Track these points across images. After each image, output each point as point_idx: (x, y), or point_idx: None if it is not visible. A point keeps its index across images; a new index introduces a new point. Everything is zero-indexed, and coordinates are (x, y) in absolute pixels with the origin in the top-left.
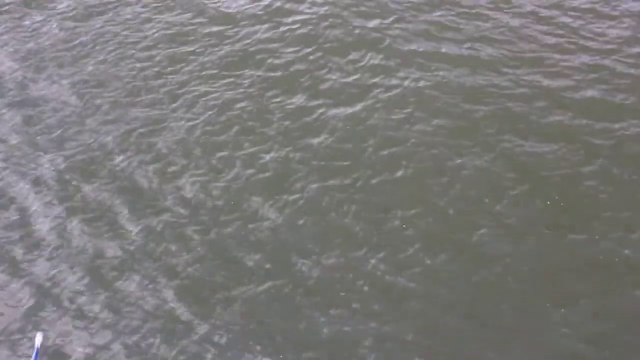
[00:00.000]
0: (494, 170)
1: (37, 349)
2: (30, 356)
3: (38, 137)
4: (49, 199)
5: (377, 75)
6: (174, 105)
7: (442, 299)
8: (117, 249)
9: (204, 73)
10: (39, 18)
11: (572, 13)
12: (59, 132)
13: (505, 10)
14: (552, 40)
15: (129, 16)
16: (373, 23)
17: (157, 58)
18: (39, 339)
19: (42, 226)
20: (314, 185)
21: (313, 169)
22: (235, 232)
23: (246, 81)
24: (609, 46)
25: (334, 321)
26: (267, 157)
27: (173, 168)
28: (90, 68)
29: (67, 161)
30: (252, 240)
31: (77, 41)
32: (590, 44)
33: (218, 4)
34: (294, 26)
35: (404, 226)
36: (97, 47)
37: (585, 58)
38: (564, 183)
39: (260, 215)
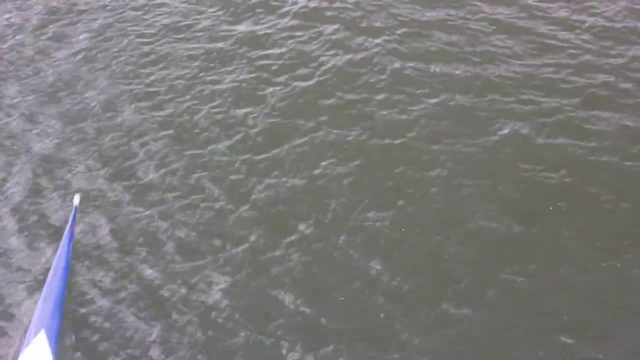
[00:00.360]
0: (499, 192)
1: (76, 207)
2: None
3: (36, 152)
4: (36, 231)
5: (383, 93)
6: (180, 121)
7: (448, 332)
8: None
9: (209, 91)
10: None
11: (580, 32)
12: (58, 145)
13: (512, 30)
14: (558, 58)
15: (132, 27)
16: (380, 39)
17: (163, 74)
18: (77, 199)
19: (27, 260)
20: (323, 204)
21: (320, 190)
22: (240, 254)
23: (252, 99)
24: (618, 63)
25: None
26: (275, 176)
27: (178, 188)
28: (90, 78)
29: (63, 179)
30: (253, 262)
31: (62, 43)
32: (599, 62)
33: (223, 22)
34: (300, 41)
35: (409, 249)
36: (99, 59)
37: (595, 76)
38: (576, 205)
39: (267, 238)
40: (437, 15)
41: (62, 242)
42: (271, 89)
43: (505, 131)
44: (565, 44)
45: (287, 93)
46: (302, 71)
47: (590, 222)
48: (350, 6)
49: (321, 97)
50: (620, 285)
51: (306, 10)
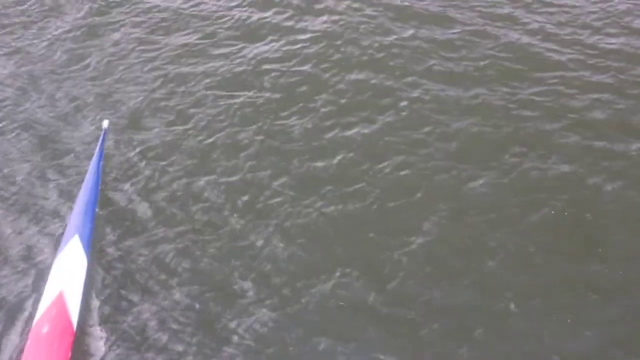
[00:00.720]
0: (507, 194)
1: (105, 130)
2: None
3: (41, 164)
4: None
5: (390, 96)
6: (185, 127)
7: (450, 329)
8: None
9: (214, 93)
10: (43, 38)
11: (583, 48)
12: (64, 158)
13: (516, 50)
14: (561, 76)
15: (135, 37)
16: (389, 40)
17: (166, 78)
18: (105, 123)
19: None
20: (328, 210)
21: (325, 194)
22: (241, 258)
23: (258, 101)
24: (623, 80)
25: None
26: (280, 180)
27: (182, 193)
28: (96, 90)
29: (70, 188)
30: (255, 265)
31: (81, 63)
32: (604, 81)
33: (226, 23)
34: (306, 44)
35: (415, 251)
36: (103, 69)
37: (600, 95)
38: (581, 207)
39: (271, 241)
40: (441, 34)
41: (93, 159)
42: (280, 108)
43: (510, 150)
44: (568, 63)
45: (294, 112)
46: (308, 88)
47: (596, 247)
48: (355, 25)
49: (329, 117)
50: (628, 314)
51: (314, 30)
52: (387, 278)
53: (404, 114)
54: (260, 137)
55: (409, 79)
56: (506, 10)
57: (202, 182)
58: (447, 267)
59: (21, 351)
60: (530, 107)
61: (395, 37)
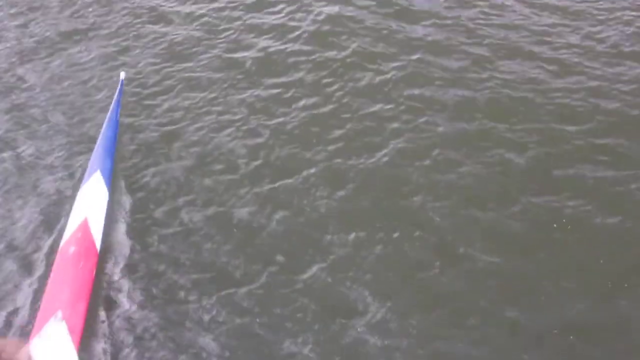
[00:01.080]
0: (515, 227)
1: (122, 81)
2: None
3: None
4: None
5: (397, 121)
6: (194, 154)
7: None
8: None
9: (222, 118)
10: (54, 70)
11: (591, 57)
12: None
13: (527, 56)
14: (568, 84)
15: (144, 63)
16: (396, 64)
17: (174, 105)
18: (122, 75)
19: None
20: (334, 237)
21: (332, 222)
22: (251, 288)
23: (266, 130)
24: (629, 89)
25: None
26: (288, 211)
27: (193, 220)
28: (103, 115)
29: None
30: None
31: (90, 83)
32: (610, 88)
33: (232, 50)
34: (309, 67)
35: (419, 284)
36: (106, 86)
37: (606, 103)
38: (586, 237)
39: (279, 270)
40: (445, 40)
41: (111, 107)
42: (280, 119)
43: (514, 159)
44: (575, 70)
45: (297, 121)
46: (312, 100)
47: (603, 254)
48: (360, 31)
49: (331, 126)
50: (630, 323)
51: (320, 58)
52: (391, 313)
53: (407, 142)
54: (268, 163)
55: (413, 104)
56: (512, 38)
57: (210, 211)
58: (452, 298)
59: (50, 268)
60: (536, 133)
61: (400, 63)
